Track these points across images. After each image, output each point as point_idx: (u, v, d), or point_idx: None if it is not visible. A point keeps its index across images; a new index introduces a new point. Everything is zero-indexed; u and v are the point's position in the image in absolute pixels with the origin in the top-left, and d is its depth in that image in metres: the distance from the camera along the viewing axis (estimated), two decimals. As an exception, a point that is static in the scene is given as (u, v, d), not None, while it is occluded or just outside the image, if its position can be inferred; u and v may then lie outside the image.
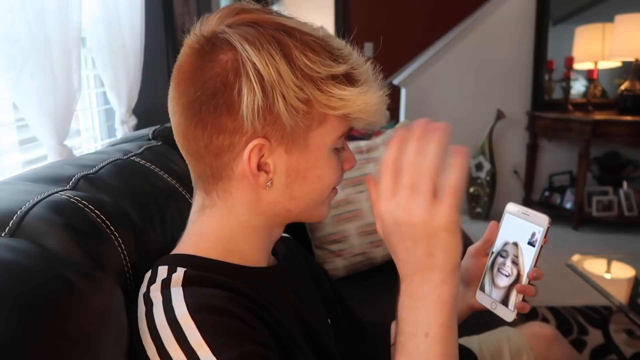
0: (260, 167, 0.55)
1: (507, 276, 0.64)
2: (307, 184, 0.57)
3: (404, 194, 0.50)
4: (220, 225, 0.59)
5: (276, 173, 0.56)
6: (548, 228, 0.61)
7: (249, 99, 0.51)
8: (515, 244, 0.64)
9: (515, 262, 0.64)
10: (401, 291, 0.53)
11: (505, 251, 0.65)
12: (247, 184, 0.56)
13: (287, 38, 0.52)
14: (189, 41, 0.55)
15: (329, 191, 0.61)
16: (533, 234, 0.62)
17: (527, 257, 0.62)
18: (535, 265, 0.62)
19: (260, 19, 0.54)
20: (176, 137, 0.58)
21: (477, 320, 0.78)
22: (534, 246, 0.62)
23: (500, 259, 0.66)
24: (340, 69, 0.53)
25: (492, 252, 0.67)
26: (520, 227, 0.64)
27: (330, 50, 0.54)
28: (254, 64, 0.51)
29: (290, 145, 0.55)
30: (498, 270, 0.66)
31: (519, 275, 0.63)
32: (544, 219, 0.61)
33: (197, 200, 0.61)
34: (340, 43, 0.56)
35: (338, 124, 0.56)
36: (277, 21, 0.54)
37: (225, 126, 0.53)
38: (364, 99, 0.54)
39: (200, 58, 0.53)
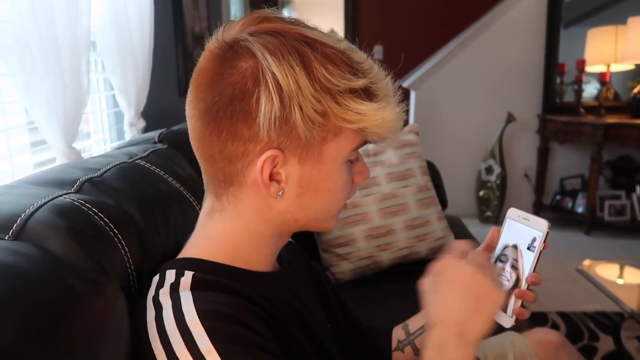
0: (272, 177, 0.55)
1: (507, 281, 0.64)
2: (318, 196, 0.58)
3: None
4: (228, 230, 0.59)
5: (288, 183, 0.56)
6: (547, 233, 0.61)
7: (266, 108, 0.52)
8: (515, 247, 0.64)
9: (514, 267, 0.63)
10: (455, 332, 0.54)
11: (505, 255, 0.65)
12: (258, 191, 0.56)
13: (308, 49, 0.53)
14: (211, 46, 0.56)
15: (340, 204, 0.61)
16: (533, 239, 0.62)
17: (527, 262, 0.62)
18: (534, 271, 0.61)
19: (282, 28, 0.54)
20: (191, 140, 0.59)
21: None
22: (533, 252, 0.61)
23: (499, 264, 0.66)
24: (359, 83, 0.54)
25: (492, 257, 0.67)
26: (521, 232, 0.64)
27: (350, 64, 0.54)
28: (273, 74, 0.51)
29: (304, 157, 0.55)
30: (498, 274, 0.65)
31: (518, 280, 0.63)
32: (543, 224, 0.61)
33: (207, 204, 0.61)
34: (361, 56, 0.56)
35: (353, 137, 0.56)
36: (299, 32, 0.54)
37: (240, 133, 0.53)
38: (381, 114, 0.55)
39: (220, 64, 0.54)
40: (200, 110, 0.55)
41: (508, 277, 0.64)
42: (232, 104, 0.53)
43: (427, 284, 0.59)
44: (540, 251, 0.61)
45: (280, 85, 0.51)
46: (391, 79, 0.58)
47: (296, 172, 0.56)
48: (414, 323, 0.80)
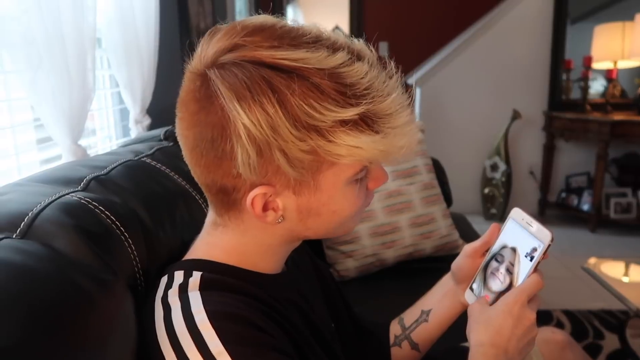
0: (268, 206, 0.53)
1: (500, 283, 0.63)
2: (323, 218, 0.55)
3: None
4: (234, 242, 0.58)
5: (287, 210, 0.54)
6: (549, 245, 0.59)
7: (243, 157, 0.48)
8: (514, 250, 0.63)
9: (509, 271, 0.63)
10: (502, 354, 0.59)
11: (501, 255, 0.64)
12: None
13: (284, 83, 0.47)
14: (188, 74, 0.52)
15: (351, 217, 0.57)
16: (533, 249, 0.60)
17: (523, 269, 0.61)
18: (535, 270, 0.61)
19: (257, 57, 0.48)
20: (188, 166, 0.57)
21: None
22: (531, 260, 0.60)
23: (494, 264, 0.65)
24: (351, 112, 0.47)
25: (489, 253, 0.67)
26: (522, 237, 0.62)
27: (341, 89, 0.47)
28: (244, 125, 0.47)
29: (298, 188, 0.52)
30: (491, 273, 0.65)
31: (510, 285, 0.62)
32: (547, 235, 0.59)
33: (211, 215, 0.60)
34: (359, 71, 0.48)
35: (355, 163, 0.51)
36: (276, 58, 0.47)
37: (227, 171, 0.51)
38: (380, 146, 0.49)
39: (197, 100, 0.50)
40: (187, 145, 0.53)
41: (502, 279, 0.63)
42: (214, 144, 0.50)
43: (476, 308, 0.62)
44: (539, 261, 0.60)
45: (253, 135, 0.47)
46: (402, 90, 0.51)
47: (293, 201, 0.53)
48: (409, 316, 0.80)
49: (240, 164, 0.49)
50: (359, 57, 0.50)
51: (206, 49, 0.51)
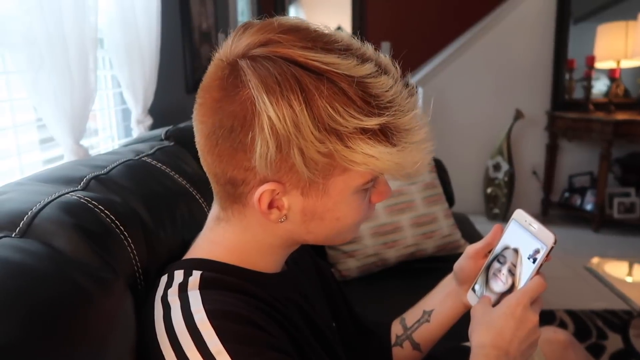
0: (273, 204, 0.53)
1: (502, 283, 0.63)
2: (325, 224, 0.56)
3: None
4: (236, 239, 0.59)
5: (291, 211, 0.54)
6: (552, 248, 0.59)
7: (262, 149, 0.49)
8: (516, 251, 0.63)
9: (511, 272, 0.62)
10: (504, 356, 0.59)
11: (504, 257, 0.64)
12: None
13: (314, 84, 0.48)
14: (217, 61, 0.53)
15: (352, 227, 0.58)
16: (536, 251, 0.60)
17: (525, 271, 0.61)
18: (538, 273, 0.61)
19: (290, 55, 0.49)
20: (199, 153, 0.57)
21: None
22: (534, 262, 0.60)
23: (496, 265, 0.65)
24: (372, 122, 0.48)
25: (491, 254, 0.67)
26: (524, 239, 0.62)
27: (366, 98, 0.48)
28: (269, 118, 0.48)
29: (307, 190, 0.52)
30: (493, 274, 0.65)
31: (513, 286, 0.62)
32: (549, 237, 0.59)
33: (215, 210, 0.60)
34: (384, 84, 0.49)
35: (365, 171, 0.52)
36: (310, 60, 0.48)
37: (240, 163, 0.52)
38: (396, 159, 0.50)
39: (222, 88, 0.51)
40: (203, 131, 0.54)
41: (504, 280, 0.63)
42: (232, 134, 0.50)
43: (479, 309, 0.62)
44: (542, 264, 0.60)
45: (276, 129, 0.48)
46: (420, 108, 0.52)
47: (299, 202, 0.54)
48: (410, 317, 0.80)
49: (258, 156, 0.49)
50: (385, 71, 0.52)
51: (238, 40, 0.52)
